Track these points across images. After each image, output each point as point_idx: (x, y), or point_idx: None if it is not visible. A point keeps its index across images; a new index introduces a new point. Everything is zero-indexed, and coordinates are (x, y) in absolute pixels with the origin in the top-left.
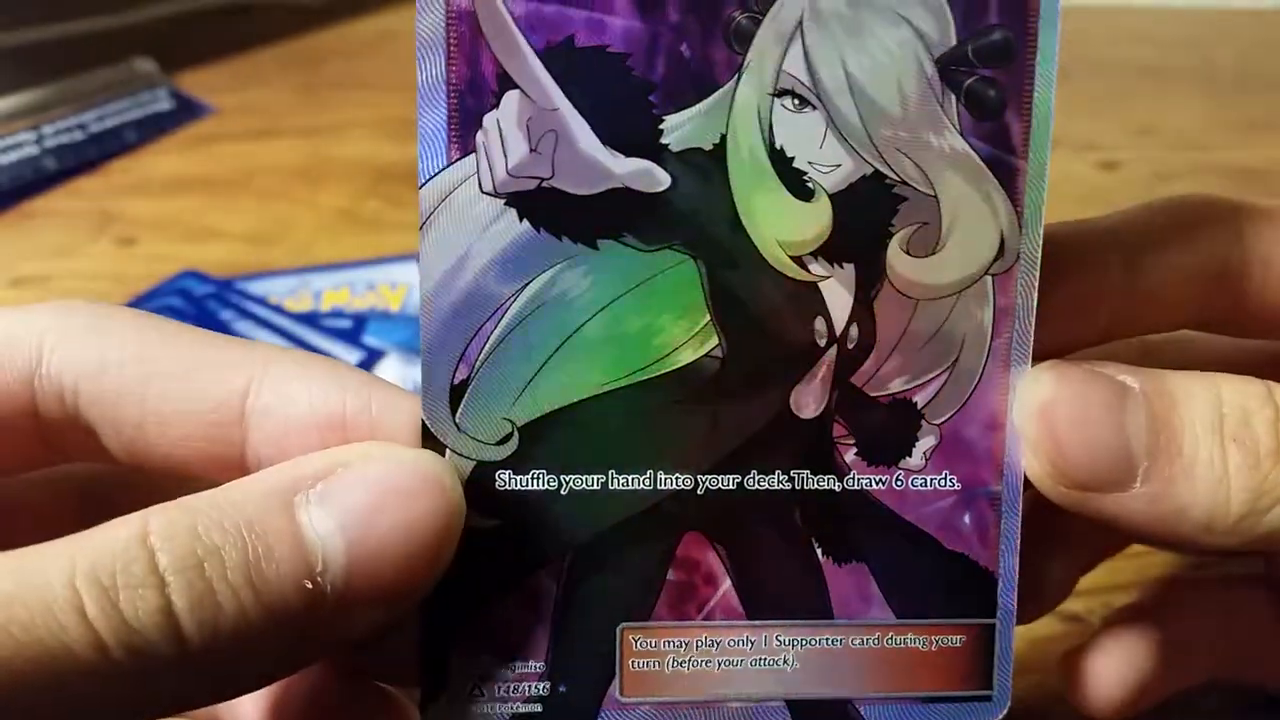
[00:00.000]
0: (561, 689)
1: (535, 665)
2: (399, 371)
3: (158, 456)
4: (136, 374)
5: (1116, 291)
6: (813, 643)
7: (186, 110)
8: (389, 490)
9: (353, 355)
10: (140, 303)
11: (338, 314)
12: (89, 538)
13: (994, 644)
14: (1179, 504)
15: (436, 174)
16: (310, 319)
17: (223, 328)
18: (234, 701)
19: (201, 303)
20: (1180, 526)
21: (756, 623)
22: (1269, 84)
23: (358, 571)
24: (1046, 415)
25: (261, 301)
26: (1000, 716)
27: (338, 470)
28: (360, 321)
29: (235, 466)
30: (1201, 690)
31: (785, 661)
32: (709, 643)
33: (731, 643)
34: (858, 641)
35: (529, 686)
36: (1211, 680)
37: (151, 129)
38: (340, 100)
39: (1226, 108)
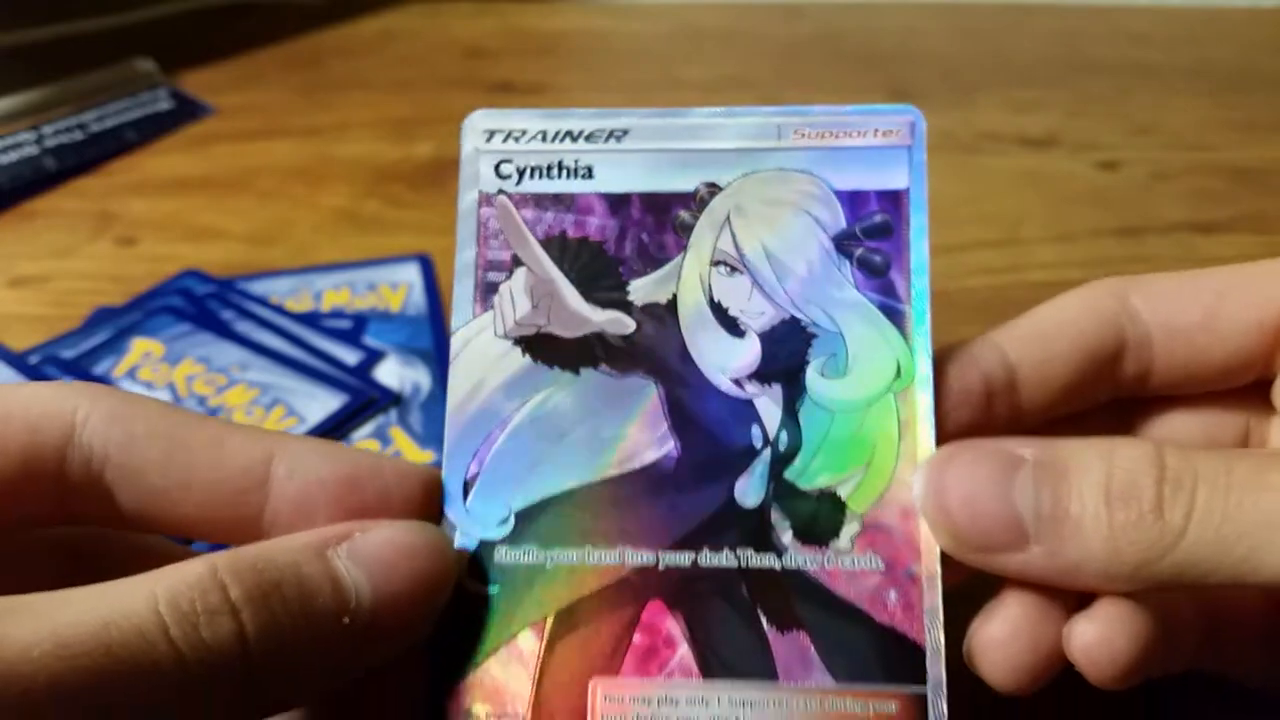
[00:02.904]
0: None
1: (518, 711)
2: (398, 371)
3: (175, 520)
4: (163, 447)
5: (1005, 391)
6: (760, 704)
7: (186, 110)
8: (402, 549)
9: (353, 355)
10: (141, 302)
11: (338, 314)
12: (162, 574)
13: (927, 712)
14: (1073, 559)
15: (465, 324)
16: (311, 319)
17: (224, 327)
18: None
19: (202, 302)
20: (1080, 578)
21: (710, 682)
22: (1268, 83)
23: (380, 610)
24: (938, 492)
25: (262, 301)
26: None
27: (356, 533)
28: (360, 322)
29: (250, 529)
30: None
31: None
32: (669, 699)
33: (688, 700)
34: (801, 704)
35: None
36: (1192, 672)
37: (151, 129)
38: (340, 100)
39: (1225, 107)
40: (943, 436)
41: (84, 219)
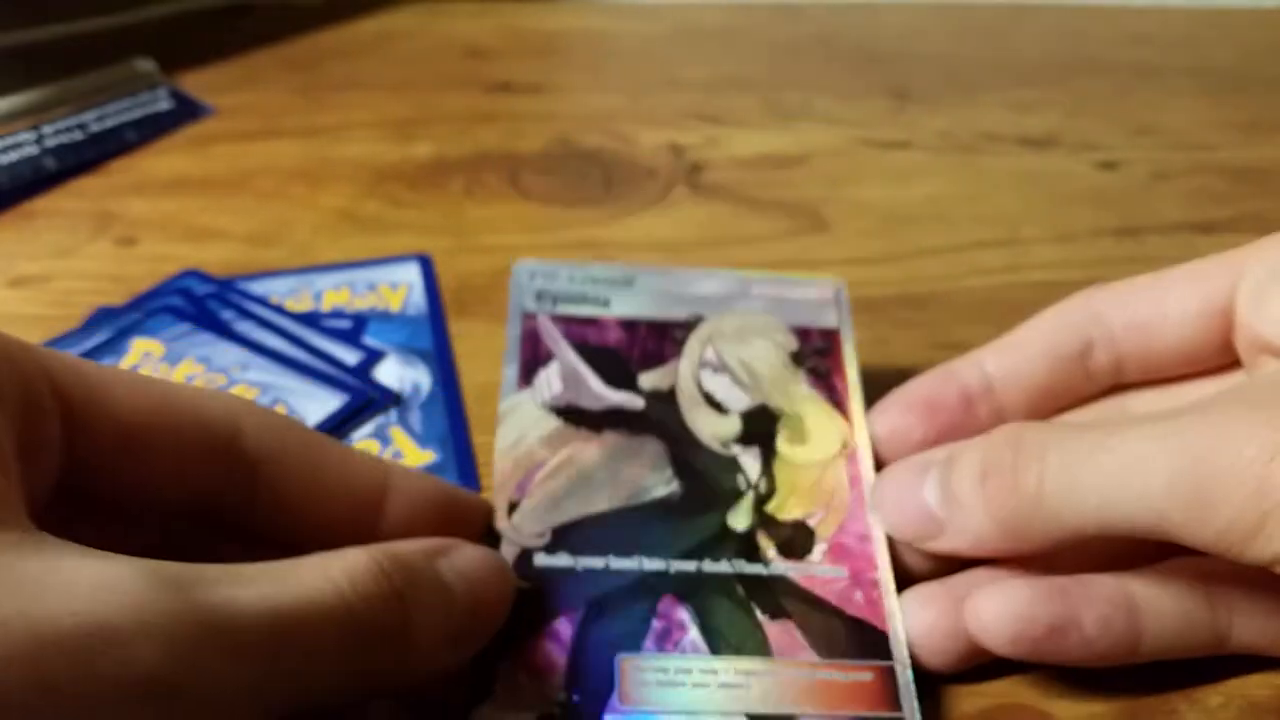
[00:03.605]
0: (575, 698)
1: (556, 681)
2: (397, 372)
3: (307, 522)
4: (306, 459)
5: (984, 396)
6: (761, 673)
7: (186, 110)
8: (488, 567)
9: (353, 356)
10: (141, 302)
11: (338, 314)
12: (331, 559)
13: (896, 680)
14: (972, 533)
15: (511, 394)
16: (310, 319)
17: (224, 327)
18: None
19: (202, 303)
20: (987, 547)
21: (718, 656)
22: (1268, 84)
23: (476, 612)
24: (879, 500)
25: (262, 301)
26: None
27: (450, 550)
28: (360, 322)
29: (366, 531)
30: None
31: (742, 686)
32: (684, 670)
33: (700, 671)
34: (794, 674)
35: (552, 697)
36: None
37: (151, 129)
38: (340, 101)
39: (1226, 107)
40: (932, 439)
41: (84, 219)
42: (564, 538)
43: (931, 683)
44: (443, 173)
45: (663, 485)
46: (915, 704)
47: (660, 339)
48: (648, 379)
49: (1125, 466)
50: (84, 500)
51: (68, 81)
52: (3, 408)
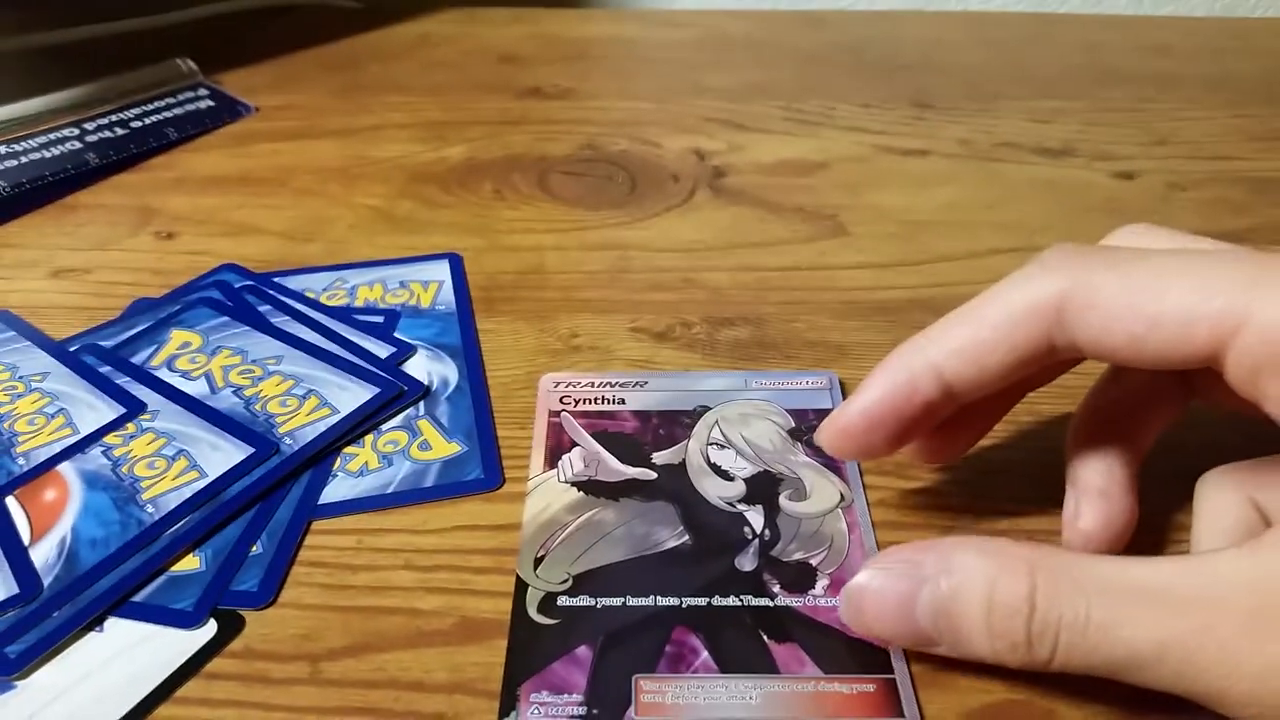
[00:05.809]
0: (595, 712)
1: (576, 698)
2: (426, 366)
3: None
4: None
5: (944, 401)
6: (768, 687)
7: (227, 109)
8: None
9: (384, 350)
10: (180, 294)
11: (371, 310)
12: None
13: (899, 689)
14: (971, 653)
15: (537, 474)
16: (344, 314)
17: (260, 320)
18: None
19: (239, 296)
20: (981, 659)
21: (728, 674)
22: None
23: None
24: (854, 610)
25: (298, 296)
26: None
27: None
28: (392, 317)
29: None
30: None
31: (750, 699)
32: (696, 686)
33: (711, 686)
34: (799, 687)
35: (572, 711)
36: None
37: (192, 127)
38: (377, 103)
39: (1243, 118)
40: (898, 431)
41: (124, 213)
42: (584, 582)
43: (935, 682)
44: (474, 174)
45: (674, 538)
46: (917, 711)
47: (671, 425)
48: (660, 456)
49: (1129, 660)
50: None
51: (111, 79)
52: None
